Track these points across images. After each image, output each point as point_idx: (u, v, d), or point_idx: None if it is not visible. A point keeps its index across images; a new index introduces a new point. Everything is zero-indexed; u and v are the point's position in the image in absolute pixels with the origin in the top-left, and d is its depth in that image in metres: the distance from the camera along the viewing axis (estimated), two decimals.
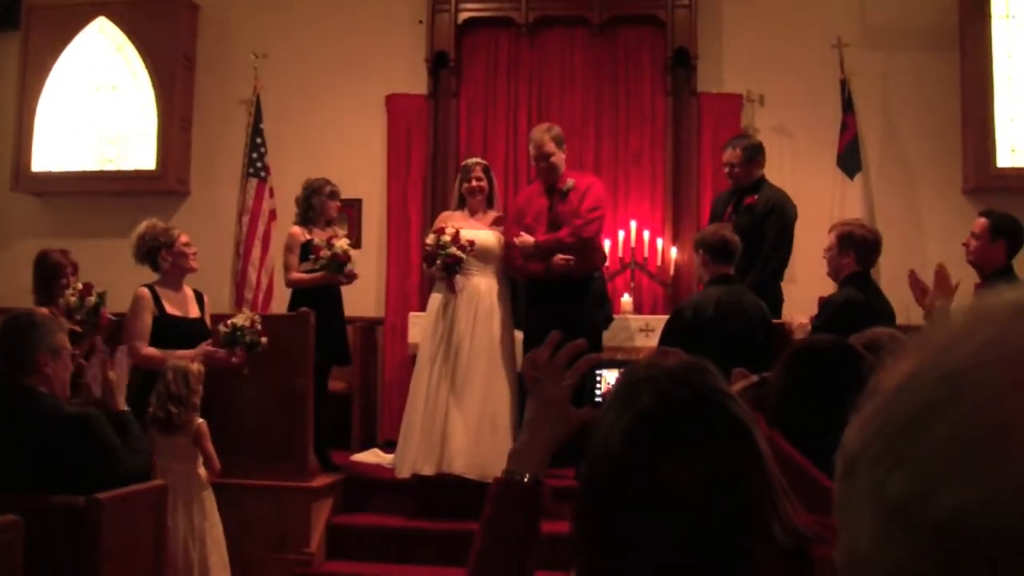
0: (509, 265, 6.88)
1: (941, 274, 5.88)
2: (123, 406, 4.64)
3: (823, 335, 2.90)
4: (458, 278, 6.65)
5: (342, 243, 6.92)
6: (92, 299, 5.93)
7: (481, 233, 6.81)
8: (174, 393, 5.37)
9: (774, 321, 6.18)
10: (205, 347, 5.94)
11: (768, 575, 1.31)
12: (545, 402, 1.83)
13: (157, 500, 4.54)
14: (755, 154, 7.17)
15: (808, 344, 2.95)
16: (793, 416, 2.81)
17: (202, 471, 5.48)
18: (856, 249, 5.74)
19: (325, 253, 6.83)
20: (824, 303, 5.88)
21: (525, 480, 1.77)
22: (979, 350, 0.63)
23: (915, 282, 6.09)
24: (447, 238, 6.55)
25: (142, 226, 6.21)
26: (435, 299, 6.83)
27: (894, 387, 0.67)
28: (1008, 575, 0.58)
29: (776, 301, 6.66)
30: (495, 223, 7.00)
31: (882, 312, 5.45)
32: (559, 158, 6.92)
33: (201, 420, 5.44)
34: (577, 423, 1.82)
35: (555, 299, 6.71)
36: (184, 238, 6.17)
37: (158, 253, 6.11)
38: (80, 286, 5.98)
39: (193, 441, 5.41)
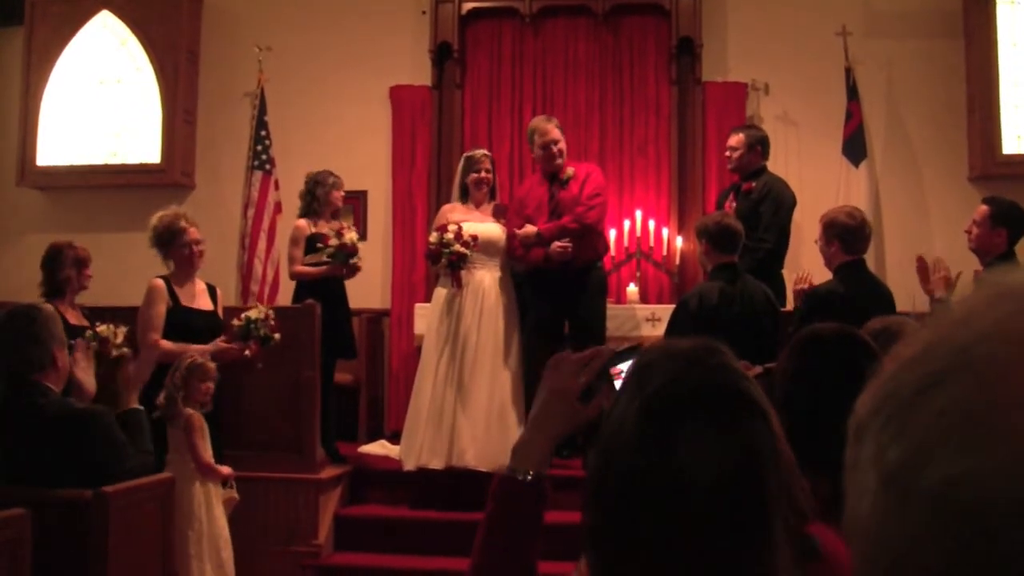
0: (510, 255, 6.90)
1: (937, 265, 5.92)
2: (134, 403, 4.63)
3: (829, 323, 2.89)
4: (462, 273, 6.65)
5: (351, 235, 6.92)
6: (119, 350, 5.75)
7: (484, 226, 6.82)
8: (168, 384, 5.42)
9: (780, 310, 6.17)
10: (219, 342, 5.95)
11: (783, 556, 1.30)
12: (554, 393, 1.79)
13: (164, 493, 4.55)
14: (758, 143, 7.19)
15: (814, 332, 2.95)
16: (799, 403, 2.81)
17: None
18: (839, 237, 5.70)
19: (333, 242, 6.83)
20: (807, 294, 5.88)
21: (529, 477, 1.75)
22: (993, 325, 0.64)
23: (922, 268, 6.10)
24: (450, 236, 6.55)
25: (155, 217, 6.18)
26: (439, 293, 6.84)
27: (907, 358, 0.67)
28: (996, 547, 0.58)
29: (779, 289, 6.65)
30: (495, 213, 7.00)
31: (872, 303, 5.38)
32: (565, 145, 6.96)
33: (192, 413, 5.42)
34: (582, 420, 1.80)
35: (557, 288, 6.73)
36: (193, 234, 6.09)
37: (169, 246, 6.10)
38: (123, 332, 5.79)
39: (185, 431, 5.42)
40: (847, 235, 5.70)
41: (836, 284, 5.68)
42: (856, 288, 5.61)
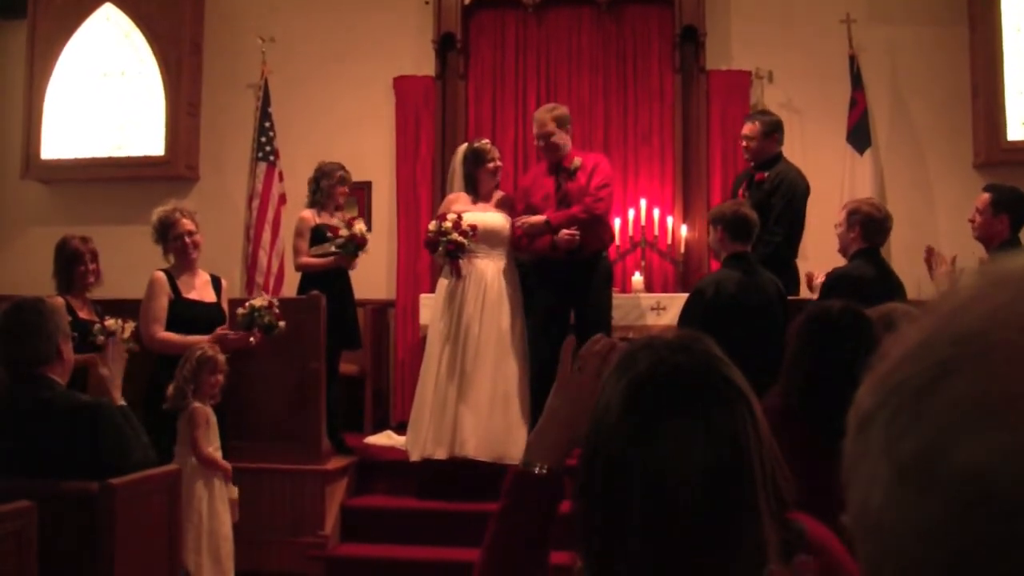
0: (514, 244, 6.89)
1: (937, 259, 5.97)
2: (119, 400, 4.64)
3: (835, 301, 2.93)
4: (462, 262, 6.65)
5: (360, 226, 6.92)
6: (127, 345, 5.68)
7: (486, 216, 6.80)
8: (178, 376, 5.44)
9: (790, 298, 6.16)
10: (220, 331, 5.96)
11: (771, 545, 1.30)
12: (579, 393, 1.74)
13: (171, 485, 4.55)
14: (773, 130, 7.11)
15: (820, 309, 2.98)
16: (805, 377, 2.84)
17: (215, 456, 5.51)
18: (861, 225, 5.75)
19: (344, 233, 6.83)
20: (830, 274, 5.91)
21: (544, 471, 1.73)
22: (994, 312, 0.64)
23: (930, 258, 6.14)
24: (448, 224, 6.54)
25: (154, 213, 6.20)
26: (443, 284, 6.83)
27: (910, 347, 0.67)
28: (1018, 528, 0.58)
29: (792, 279, 6.64)
30: (499, 204, 6.99)
31: (888, 288, 5.44)
32: (561, 138, 6.92)
33: (198, 406, 5.44)
34: None
35: (564, 277, 6.73)
36: (185, 226, 6.09)
37: (166, 239, 6.12)
38: (131, 326, 5.85)
39: (188, 424, 5.43)
40: (870, 224, 5.76)
41: (861, 266, 5.71)
42: (880, 273, 5.67)
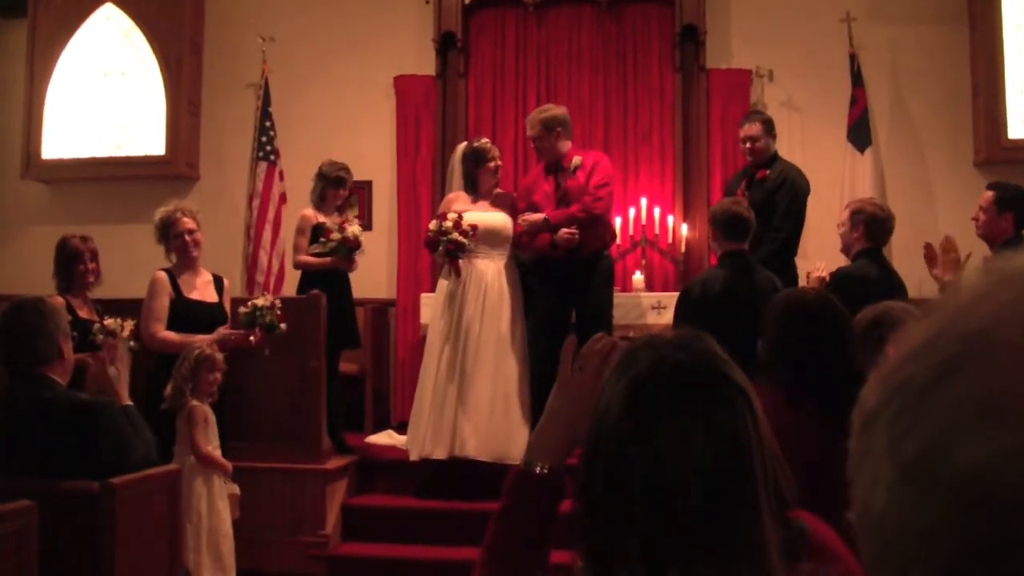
0: (516, 242, 6.88)
1: (946, 246, 5.96)
2: (126, 400, 4.64)
3: (808, 290, 2.99)
4: (462, 262, 6.64)
5: (354, 228, 6.89)
6: (126, 342, 5.69)
7: (487, 215, 6.79)
8: (176, 375, 5.44)
9: None
10: (222, 331, 5.97)
11: (773, 543, 1.29)
12: (580, 393, 1.74)
13: (171, 484, 4.55)
14: (772, 127, 7.11)
15: (796, 300, 3.02)
16: (783, 366, 2.86)
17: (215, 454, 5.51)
18: (865, 225, 5.75)
19: (335, 236, 6.81)
20: (833, 273, 5.91)
21: (544, 470, 1.73)
22: (999, 311, 0.63)
23: (930, 254, 6.13)
24: (449, 224, 6.53)
25: (158, 212, 6.21)
26: (443, 284, 6.82)
27: (914, 346, 0.67)
28: (1019, 531, 0.58)
29: (792, 278, 6.63)
30: (499, 202, 6.97)
31: (891, 288, 5.45)
32: (547, 142, 6.91)
33: (196, 405, 5.44)
34: None
35: (565, 277, 6.72)
36: (186, 224, 6.10)
37: (167, 239, 6.12)
38: (130, 325, 5.84)
39: (186, 422, 5.43)
40: (874, 224, 5.77)
41: (865, 266, 5.71)
42: (884, 273, 5.66)
